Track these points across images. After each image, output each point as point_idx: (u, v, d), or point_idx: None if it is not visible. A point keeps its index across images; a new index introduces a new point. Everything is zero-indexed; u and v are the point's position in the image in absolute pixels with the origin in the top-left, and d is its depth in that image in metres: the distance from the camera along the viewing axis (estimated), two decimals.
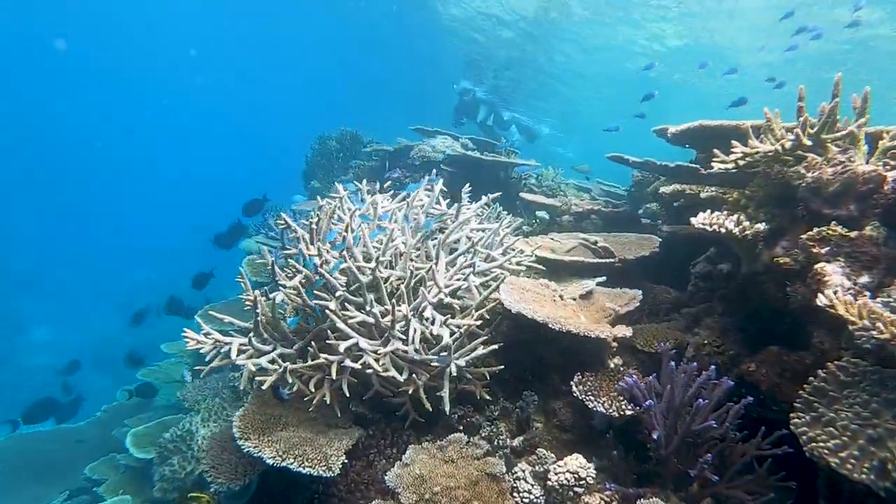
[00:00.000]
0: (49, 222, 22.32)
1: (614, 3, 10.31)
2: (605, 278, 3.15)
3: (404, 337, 2.28)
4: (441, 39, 13.11)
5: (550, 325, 2.30)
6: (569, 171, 7.55)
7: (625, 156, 4.47)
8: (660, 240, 3.93)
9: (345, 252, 2.52)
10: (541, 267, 3.21)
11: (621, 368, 2.55)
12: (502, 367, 2.45)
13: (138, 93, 35.55)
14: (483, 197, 3.34)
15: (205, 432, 4.39)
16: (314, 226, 2.64)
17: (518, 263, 3.01)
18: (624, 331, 2.40)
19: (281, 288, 2.55)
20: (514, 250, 3.05)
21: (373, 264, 2.40)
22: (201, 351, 2.42)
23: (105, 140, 42.00)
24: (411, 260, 2.63)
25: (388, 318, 2.26)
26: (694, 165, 3.85)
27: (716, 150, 2.59)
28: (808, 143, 2.12)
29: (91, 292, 15.35)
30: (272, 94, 29.24)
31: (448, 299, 2.42)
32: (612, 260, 3.35)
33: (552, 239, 4.06)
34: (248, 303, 2.56)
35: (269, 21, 15.09)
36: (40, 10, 17.33)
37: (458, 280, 2.53)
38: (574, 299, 2.87)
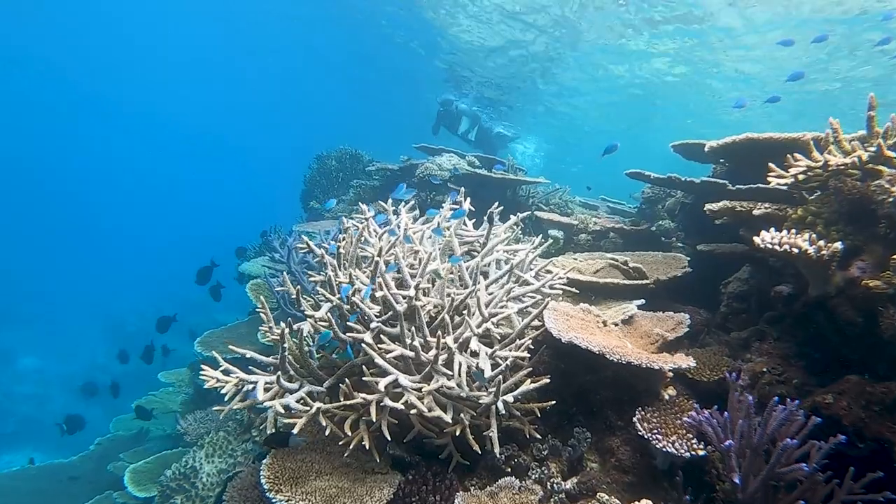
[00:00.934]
0: (32, 249, 21.80)
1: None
2: (643, 301, 2.95)
3: (449, 372, 2.06)
4: (438, 60, 12.97)
5: (608, 357, 2.09)
6: (578, 188, 7.44)
7: (644, 172, 4.30)
8: (687, 258, 3.75)
9: (378, 278, 2.30)
10: (574, 290, 3.01)
11: (676, 399, 2.34)
12: (553, 402, 2.23)
13: (123, 116, 35.20)
14: (511, 217, 3.14)
15: (210, 469, 4.11)
16: (341, 250, 2.42)
17: (551, 287, 2.81)
18: (686, 361, 2.19)
19: (308, 319, 2.32)
20: (547, 273, 2.85)
21: (410, 292, 2.18)
22: (222, 391, 2.17)
23: (92, 163, 41.62)
24: (448, 286, 2.41)
25: (432, 351, 2.04)
26: (721, 181, 3.69)
27: (771, 165, 2.41)
28: (893, 154, 1.94)
29: (78, 319, 14.91)
30: (265, 114, 28.99)
31: (495, 329, 2.20)
32: (646, 281, 3.15)
33: (575, 259, 3.87)
34: (271, 337, 2.31)
35: (262, 42, 14.89)
36: (29, 24, 17.03)
37: (500, 307, 2.32)
38: (616, 324, 2.67)
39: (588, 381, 2.51)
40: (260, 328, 2.55)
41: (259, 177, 47.88)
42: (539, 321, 2.38)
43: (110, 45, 18.09)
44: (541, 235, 5.32)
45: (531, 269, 2.81)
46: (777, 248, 2.05)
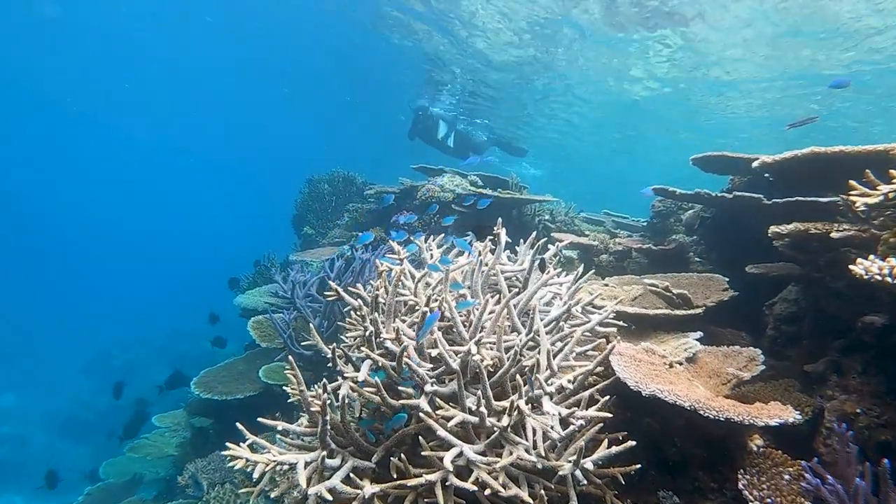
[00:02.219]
0: (7, 280, 20.97)
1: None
2: (701, 334, 2.67)
3: (522, 440, 1.74)
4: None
5: (703, 413, 1.79)
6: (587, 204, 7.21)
7: (669, 188, 4.05)
8: (725, 279, 3.49)
9: (427, 333, 1.98)
10: (622, 324, 2.71)
11: (767, 452, 2.05)
12: (639, 465, 1.92)
13: (104, 142, 34.48)
14: (551, 246, 2.84)
15: None
16: (380, 299, 2.10)
17: (605, 324, 2.51)
18: (790, 414, 1.89)
19: (349, 382, 1.98)
20: (596, 309, 2.56)
21: (472, 347, 1.86)
22: (254, 474, 1.82)
23: (68, 189, 40.68)
24: (505, 335, 2.10)
25: (504, 419, 1.73)
26: (756, 196, 3.44)
27: (853, 183, 2.15)
28: None
29: (59, 353, 14.28)
30: (251, 137, 28.42)
31: (570, 386, 1.89)
32: (698, 311, 2.87)
33: (607, 285, 3.59)
34: (309, 407, 1.97)
35: (249, 59, 14.48)
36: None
37: (571, 358, 2.01)
38: (680, 363, 2.38)
39: (657, 431, 2.20)
40: (288, 389, 2.20)
41: (246, 202, 47.34)
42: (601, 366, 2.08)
43: (89, 64, 17.48)
44: (557, 257, 5.05)
45: (573, 302, 2.52)
46: (889, 279, 1.78)
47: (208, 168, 41.29)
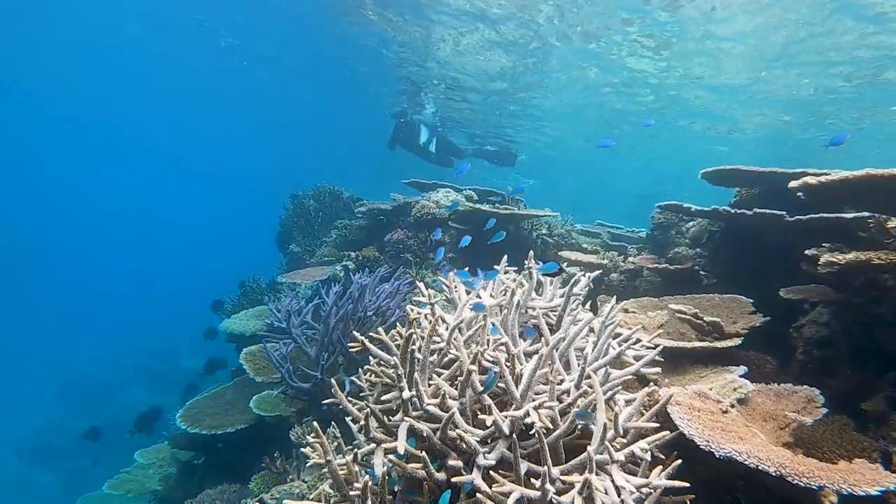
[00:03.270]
0: None
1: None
2: (745, 369, 2.47)
3: None
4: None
5: (793, 481, 1.57)
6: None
7: (684, 204, 3.88)
8: (749, 301, 3.30)
9: (468, 391, 1.74)
10: (659, 357, 2.49)
11: None
12: None
13: (72, 155, 33.55)
14: (581, 278, 2.61)
15: None
16: (417, 354, 1.85)
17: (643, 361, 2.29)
18: (892, 481, 1.68)
19: (388, 456, 1.72)
20: (635, 347, 2.34)
21: (529, 411, 1.62)
22: None
23: (34, 203, 39.43)
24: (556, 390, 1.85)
25: (569, 495, 1.49)
26: (778, 213, 3.28)
27: None
28: None
29: (30, 375, 13.64)
30: (230, 152, 27.75)
31: (644, 455, 1.66)
32: (736, 342, 2.67)
33: (626, 310, 3.37)
34: (340, 484, 1.71)
35: (229, 74, 14.05)
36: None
37: (631, 415, 1.78)
38: (733, 405, 2.17)
39: (716, 483, 1.99)
40: (312, 456, 1.93)
41: (226, 217, 46.52)
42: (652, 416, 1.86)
43: (66, 78, 16.83)
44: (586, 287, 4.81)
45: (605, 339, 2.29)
46: None
47: (187, 183, 40.49)
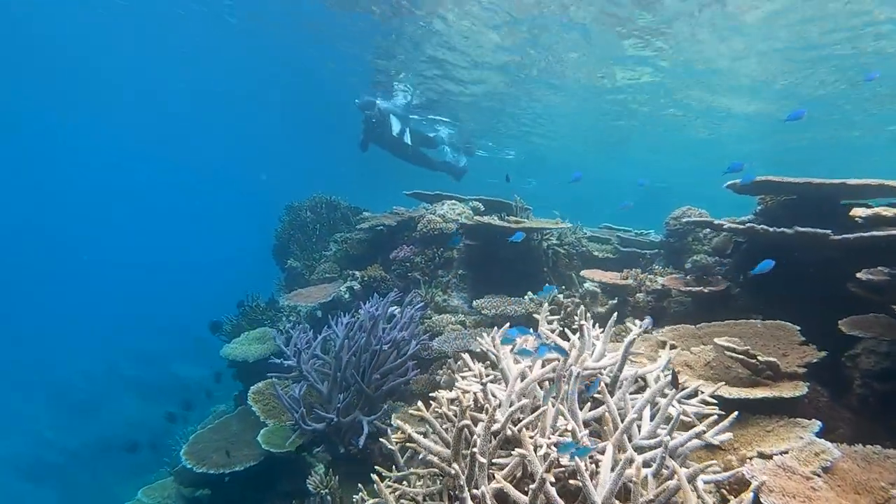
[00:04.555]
0: None
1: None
2: (820, 425, 2.22)
3: None
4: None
5: None
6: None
7: (715, 220, 3.62)
8: (797, 328, 3.05)
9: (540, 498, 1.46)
10: (714, 410, 2.21)
11: None
12: None
13: (61, 158, 32.75)
14: (633, 325, 2.34)
15: None
16: (465, 433, 1.56)
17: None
18: None
19: None
20: (694, 403, 2.08)
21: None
22: None
23: (24, 212, 38.57)
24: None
25: None
26: (822, 231, 3.02)
27: None
28: None
29: (17, 387, 13.15)
30: (220, 159, 27.02)
31: None
32: (802, 390, 2.41)
33: (666, 343, 3.11)
34: None
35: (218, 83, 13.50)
36: None
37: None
38: (817, 474, 1.92)
39: None
40: None
41: (216, 220, 45.81)
42: None
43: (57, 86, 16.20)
44: (573, 290, 4.55)
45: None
46: None
47: (177, 189, 39.75)
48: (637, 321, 3.64)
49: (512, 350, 2.17)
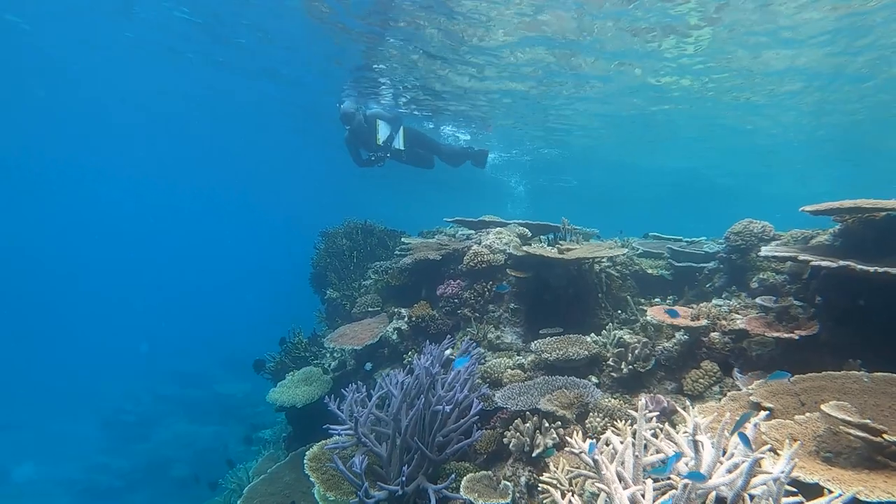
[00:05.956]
0: (6, 345, 19.58)
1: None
2: None
3: None
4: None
5: None
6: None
7: (800, 255, 3.25)
8: None
9: None
10: None
11: None
12: None
13: (102, 197, 33.27)
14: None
15: None
16: None
17: None
18: None
19: None
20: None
21: None
22: None
23: (53, 239, 39.44)
24: None
25: None
26: None
27: None
28: None
29: (69, 414, 13.29)
30: (254, 181, 26.90)
31: None
32: None
33: (760, 405, 2.78)
34: None
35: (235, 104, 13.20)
36: None
37: None
38: None
39: None
40: None
41: (248, 238, 46.28)
42: None
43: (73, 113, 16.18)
44: (627, 320, 4.22)
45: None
46: None
47: (200, 208, 40.09)
48: (737, 376, 3.31)
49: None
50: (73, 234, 40.91)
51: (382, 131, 8.13)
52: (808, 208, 3.53)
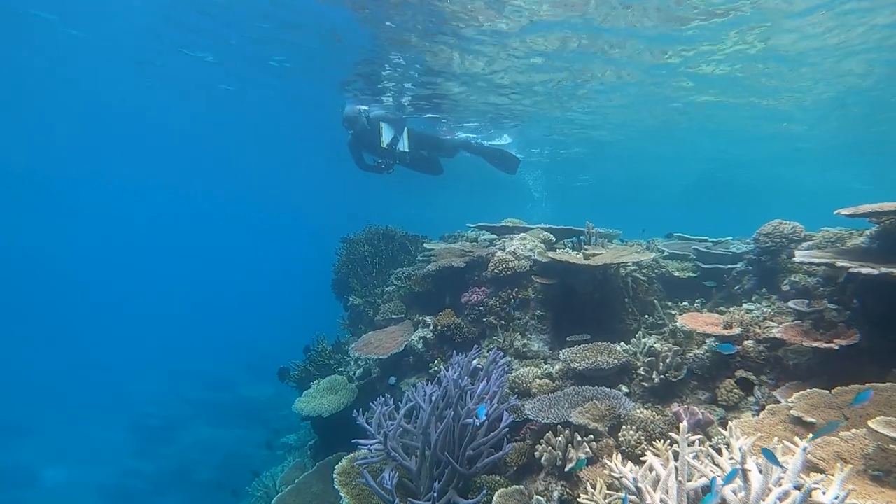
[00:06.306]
0: (29, 351, 19.89)
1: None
2: None
3: None
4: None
5: None
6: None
7: (837, 262, 3.16)
8: None
9: None
10: None
11: None
12: None
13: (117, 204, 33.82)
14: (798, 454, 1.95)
15: None
16: None
17: None
18: None
19: None
20: None
21: None
22: None
23: (78, 249, 40.18)
24: None
25: None
26: None
27: None
28: None
29: (97, 418, 13.46)
30: (276, 190, 27.01)
31: None
32: None
33: (802, 420, 2.70)
34: None
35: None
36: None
37: None
38: None
39: None
40: None
41: (267, 245, 46.70)
42: None
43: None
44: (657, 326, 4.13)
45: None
46: None
47: (225, 215, 40.51)
48: (752, 379, 3.22)
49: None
50: (100, 240, 41.60)
51: (386, 134, 7.98)
52: (844, 211, 3.42)
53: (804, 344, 3.14)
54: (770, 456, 1.80)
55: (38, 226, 37.46)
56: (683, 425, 2.06)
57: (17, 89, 11.99)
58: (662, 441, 2.41)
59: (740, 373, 3.41)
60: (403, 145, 8.14)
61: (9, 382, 15.25)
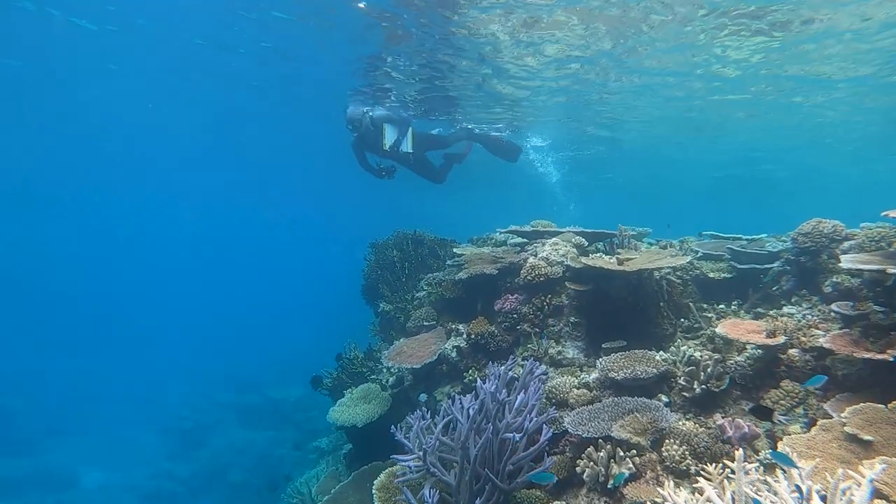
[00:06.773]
0: (62, 355, 20.29)
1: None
2: None
3: None
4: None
5: None
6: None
7: (889, 269, 3.05)
8: None
9: None
10: None
11: None
12: None
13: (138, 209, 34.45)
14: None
15: None
16: None
17: None
18: None
19: None
20: None
21: None
22: None
23: (102, 252, 40.98)
24: None
25: None
26: None
27: None
28: None
29: (131, 421, 13.68)
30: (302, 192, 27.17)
31: None
32: None
33: (857, 437, 2.60)
34: None
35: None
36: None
37: None
38: None
39: None
40: None
41: (297, 250, 47.16)
42: None
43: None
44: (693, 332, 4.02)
45: None
46: None
47: (257, 220, 40.97)
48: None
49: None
50: (136, 246, 42.39)
51: (389, 135, 7.81)
52: (893, 213, 3.30)
53: (854, 355, 3.03)
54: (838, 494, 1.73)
55: (77, 232, 38.32)
56: (739, 454, 1.99)
57: (17, 90, 12.22)
58: (714, 465, 2.34)
59: (785, 383, 3.31)
60: (407, 146, 7.99)
61: (48, 386, 15.62)
